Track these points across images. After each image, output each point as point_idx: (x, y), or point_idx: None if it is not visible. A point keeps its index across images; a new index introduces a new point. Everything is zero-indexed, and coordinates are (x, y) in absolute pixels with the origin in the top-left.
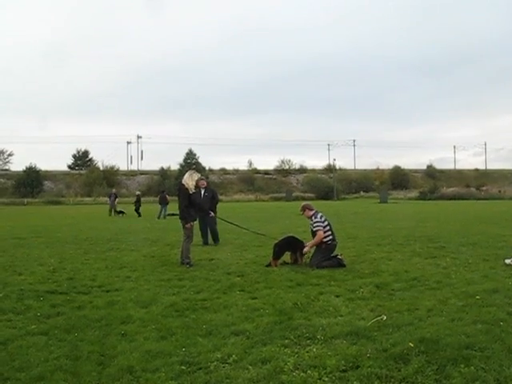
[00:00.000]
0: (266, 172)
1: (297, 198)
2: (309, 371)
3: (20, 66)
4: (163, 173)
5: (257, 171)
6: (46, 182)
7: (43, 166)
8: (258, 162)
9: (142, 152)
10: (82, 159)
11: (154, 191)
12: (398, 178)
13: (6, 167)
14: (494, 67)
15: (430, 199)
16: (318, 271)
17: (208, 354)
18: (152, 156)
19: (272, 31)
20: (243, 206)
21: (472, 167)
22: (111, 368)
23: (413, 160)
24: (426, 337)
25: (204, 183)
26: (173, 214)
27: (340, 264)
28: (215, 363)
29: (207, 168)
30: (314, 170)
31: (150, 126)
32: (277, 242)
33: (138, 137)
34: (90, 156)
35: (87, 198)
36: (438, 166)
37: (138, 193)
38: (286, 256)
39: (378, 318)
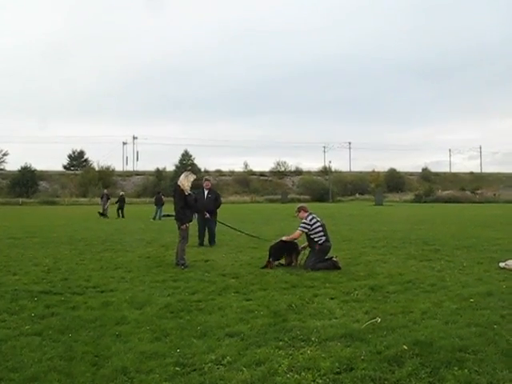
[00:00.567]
0: (262, 174)
1: (292, 200)
2: (303, 373)
3: (18, 65)
4: (159, 174)
5: (252, 173)
6: (41, 182)
7: (38, 165)
8: (253, 164)
9: (137, 153)
10: (77, 159)
11: (149, 192)
12: (394, 181)
13: (1, 167)
14: (490, 71)
15: (425, 202)
16: (312, 273)
17: (202, 355)
18: (148, 157)
19: (271, 33)
20: (238, 207)
21: (467, 170)
22: (105, 369)
23: (408, 163)
24: (420, 339)
25: (209, 184)
26: (168, 215)
27: (335, 266)
28: (209, 365)
29: (203, 169)
30: (309, 172)
31: (146, 126)
32: (272, 244)
33: (134, 137)
34: (85, 156)
35: (82, 199)
36: (434, 169)
37: (121, 193)
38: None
39: (373, 320)
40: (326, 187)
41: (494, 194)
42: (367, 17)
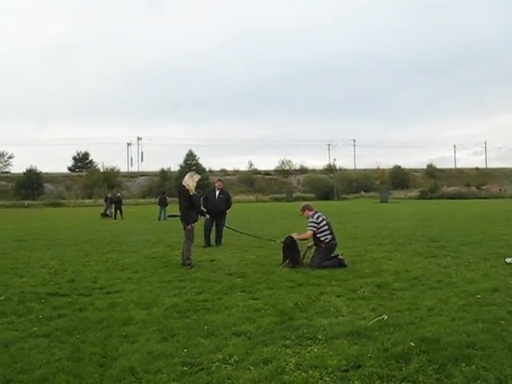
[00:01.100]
0: (267, 173)
1: (297, 199)
2: (310, 371)
3: (20, 69)
4: (163, 174)
5: (257, 172)
6: (47, 185)
7: (44, 168)
8: (258, 163)
9: (142, 153)
10: (82, 161)
11: (154, 192)
12: (399, 178)
13: (7, 170)
14: (493, 67)
15: (430, 198)
16: (318, 271)
17: (209, 354)
18: (152, 157)
19: (272, 32)
20: (244, 206)
21: (472, 166)
22: (113, 369)
23: (413, 159)
24: (426, 336)
25: (221, 184)
26: (174, 216)
27: (341, 264)
28: (217, 364)
29: (207, 169)
30: (314, 170)
31: (151, 127)
32: (284, 244)
33: (139, 138)
34: (90, 158)
35: (88, 200)
36: (439, 165)
37: (118, 194)
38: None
39: (379, 317)
40: (330, 185)
41: (500, 190)
42: (368, 15)
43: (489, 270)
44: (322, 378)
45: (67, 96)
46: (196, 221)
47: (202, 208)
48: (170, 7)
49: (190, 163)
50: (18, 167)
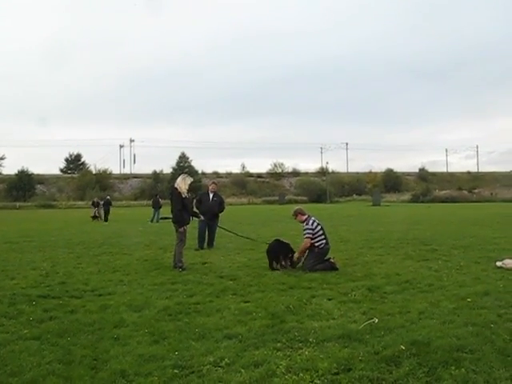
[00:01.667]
0: (259, 175)
1: (290, 201)
2: (301, 374)
3: (15, 70)
4: (156, 176)
5: (249, 174)
6: (39, 186)
7: (35, 169)
8: (250, 165)
9: (134, 155)
10: (74, 163)
11: (147, 195)
12: (391, 181)
13: None
14: (487, 71)
15: (422, 202)
16: (310, 274)
17: (201, 357)
18: (145, 159)
19: (268, 35)
20: (236, 209)
21: (464, 170)
22: (104, 372)
23: (405, 163)
24: (417, 339)
25: (215, 187)
26: (166, 218)
27: (332, 267)
28: (208, 367)
29: (200, 171)
30: (306, 173)
31: (143, 129)
32: (268, 248)
33: (131, 140)
34: (82, 160)
35: (80, 202)
36: (431, 169)
37: (107, 197)
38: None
39: (370, 320)
40: (323, 188)
41: (491, 193)
42: (364, 19)
43: (480, 274)
44: (312, 381)
45: (60, 97)
46: (188, 223)
47: (195, 210)
48: (167, 9)
49: (183, 165)
50: (9, 168)
